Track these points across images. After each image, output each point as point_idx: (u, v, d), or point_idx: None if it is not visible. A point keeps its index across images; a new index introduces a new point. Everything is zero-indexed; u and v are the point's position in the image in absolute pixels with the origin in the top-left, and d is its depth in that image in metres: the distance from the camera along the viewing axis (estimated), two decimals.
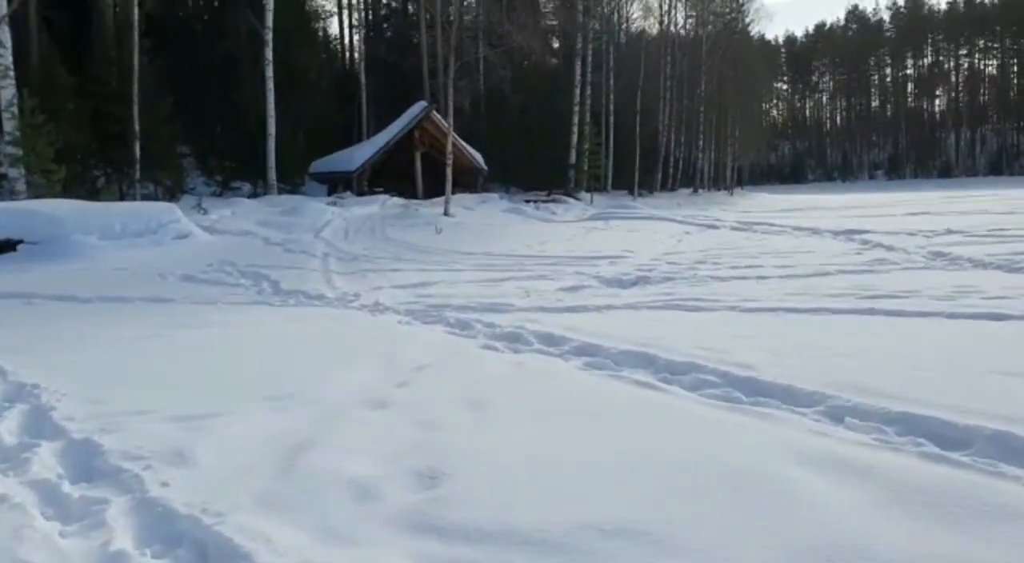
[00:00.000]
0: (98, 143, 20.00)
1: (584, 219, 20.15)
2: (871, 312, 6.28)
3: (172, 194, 20.90)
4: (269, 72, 21.73)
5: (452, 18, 18.85)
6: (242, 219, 16.93)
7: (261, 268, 11.44)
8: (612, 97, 33.53)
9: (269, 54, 21.69)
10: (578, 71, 29.37)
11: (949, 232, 14.91)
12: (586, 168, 29.73)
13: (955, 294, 7.11)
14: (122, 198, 19.76)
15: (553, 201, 26.31)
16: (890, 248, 12.35)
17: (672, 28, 43.33)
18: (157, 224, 13.80)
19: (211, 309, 8.10)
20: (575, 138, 29.15)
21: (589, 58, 30.69)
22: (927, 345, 5.09)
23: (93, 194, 17.09)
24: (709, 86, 44.08)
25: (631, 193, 33.69)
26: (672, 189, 41.15)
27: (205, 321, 7.04)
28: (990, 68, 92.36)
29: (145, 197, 20.28)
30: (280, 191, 23.57)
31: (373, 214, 18.41)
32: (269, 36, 21.64)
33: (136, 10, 19.66)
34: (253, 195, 22.97)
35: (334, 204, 19.86)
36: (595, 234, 15.99)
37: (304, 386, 4.38)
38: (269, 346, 5.67)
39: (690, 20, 46.63)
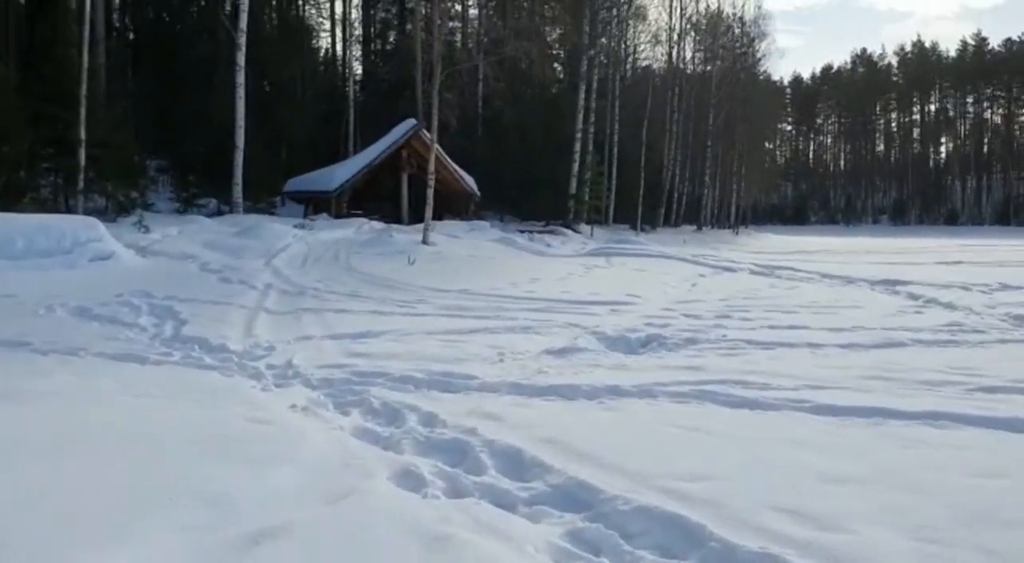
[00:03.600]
0: (45, 148, 17.95)
1: (583, 254, 17.89)
2: None
3: (125, 208, 18.64)
4: (240, 78, 19.62)
5: (439, 21, 16.68)
6: (187, 240, 14.70)
7: (178, 302, 9.18)
8: (617, 126, 31.48)
9: (241, 59, 19.59)
10: (582, 96, 27.32)
11: (1005, 287, 12.74)
12: (587, 199, 27.55)
13: None
14: (67, 210, 17.57)
15: (550, 232, 24.10)
16: (951, 306, 10.14)
17: (680, 64, 41.50)
18: (72, 242, 11.56)
19: (60, 364, 5.84)
20: (576, 166, 27.02)
21: (594, 83, 28.68)
22: None
23: (8, 205, 14.79)
24: (717, 121, 42.16)
25: (634, 228, 31.51)
26: (675, 226, 39.05)
27: (21, 391, 4.75)
28: (996, 117, 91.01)
29: (91, 211, 18.12)
30: (251, 210, 21.49)
31: (342, 239, 16.18)
32: (242, 39, 19.55)
33: (88, 5, 17.58)
34: (218, 213, 20.79)
35: (301, 226, 17.63)
36: (595, 273, 13.73)
37: None
38: (48, 460, 3.38)
39: (698, 54, 44.91)
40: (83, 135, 16.82)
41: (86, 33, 17.20)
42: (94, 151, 17.40)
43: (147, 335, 7.42)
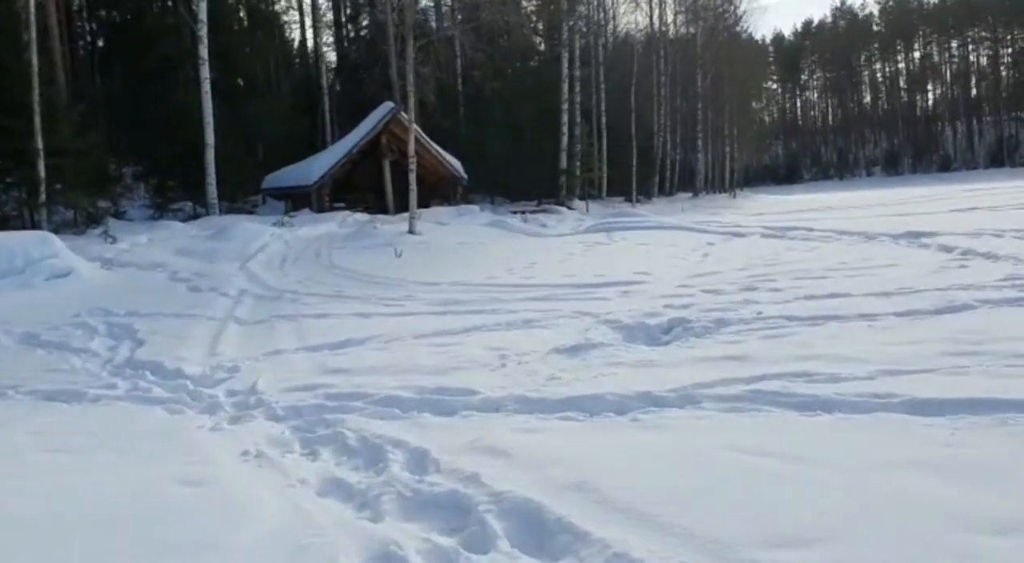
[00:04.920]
0: (5, 161, 16.88)
1: (581, 232, 16.86)
2: None
3: (94, 219, 17.60)
4: (205, 73, 18.51)
5: None
6: (158, 247, 13.69)
7: (140, 318, 8.22)
8: (603, 95, 30.34)
9: (204, 52, 18.46)
10: (565, 65, 26.13)
11: None
12: (579, 173, 26.47)
13: None
14: (33, 226, 16.55)
15: (543, 211, 23.07)
16: (993, 257, 9.20)
17: (663, 27, 40.31)
18: (25, 261, 10.53)
19: None
20: (565, 140, 25.90)
21: (577, 50, 27.50)
22: None
23: None
24: (705, 83, 41.02)
25: (629, 199, 30.48)
26: (670, 194, 38.04)
27: None
28: (983, 59, 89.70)
29: (59, 224, 17.15)
30: (229, 211, 20.53)
31: (323, 235, 15.15)
32: (203, 31, 18.41)
33: (32, 7, 16.39)
34: (193, 217, 19.75)
35: (280, 224, 16.59)
36: (597, 250, 12.74)
37: None
38: None
39: (680, 16, 43.70)
40: (40, 144, 15.72)
41: (33, 35, 16.04)
42: (55, 161, 16.33)
43: (97, 362, 6.48)
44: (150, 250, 13.50)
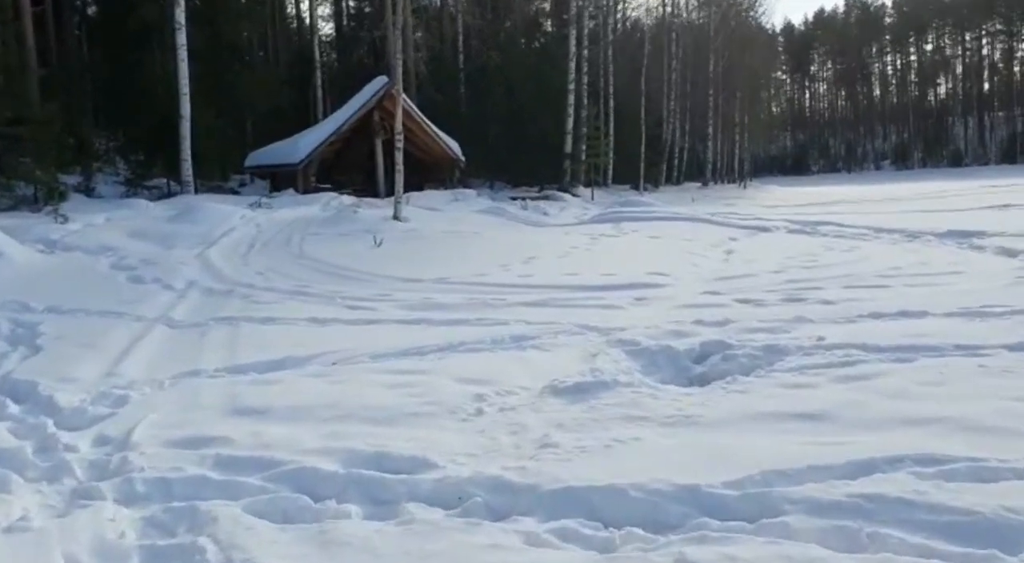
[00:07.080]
0: None
1: (586, 222, 15.34)
2: None
3: (55, 196, 16.12)
4: (182, 39, 17.00)
5: None
6: (114, 229, 12.22)
7: (56, 316, 6.82)
8: (612, 78, 28.74)
9: (181, 16, 16.97)
10: (572, 44, 24.55)
11: None
12: (584, 158, 24.93)
13: None
14: None
15: (545, 198, 21.56)
16: None
17: (675, 9, 38.75)
18: None
19: None
20: (571, 123, 24.35)
21: (585, 29, 25.90)
22: None
23: None
24: (716, 70, 39.39)
25: (636, 187, 28.95)
26: (678, 183, 36.54)
27: None
28: (996, 54, 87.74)
29: (19, 200, 15.78)
30: (209, 190, 19.16)
31: (301, 218, 13.68)
32: None
33: None
34: (168, 195, 18.30)
35: (258, 206, 15.12)
36: (604, 244, 11.25)
37: None
38: None
39: (692, 0, 42.14)
40: None
41: None
42: (12, 130, 14.88)
43: None
44: (104, 232, 12.02)
